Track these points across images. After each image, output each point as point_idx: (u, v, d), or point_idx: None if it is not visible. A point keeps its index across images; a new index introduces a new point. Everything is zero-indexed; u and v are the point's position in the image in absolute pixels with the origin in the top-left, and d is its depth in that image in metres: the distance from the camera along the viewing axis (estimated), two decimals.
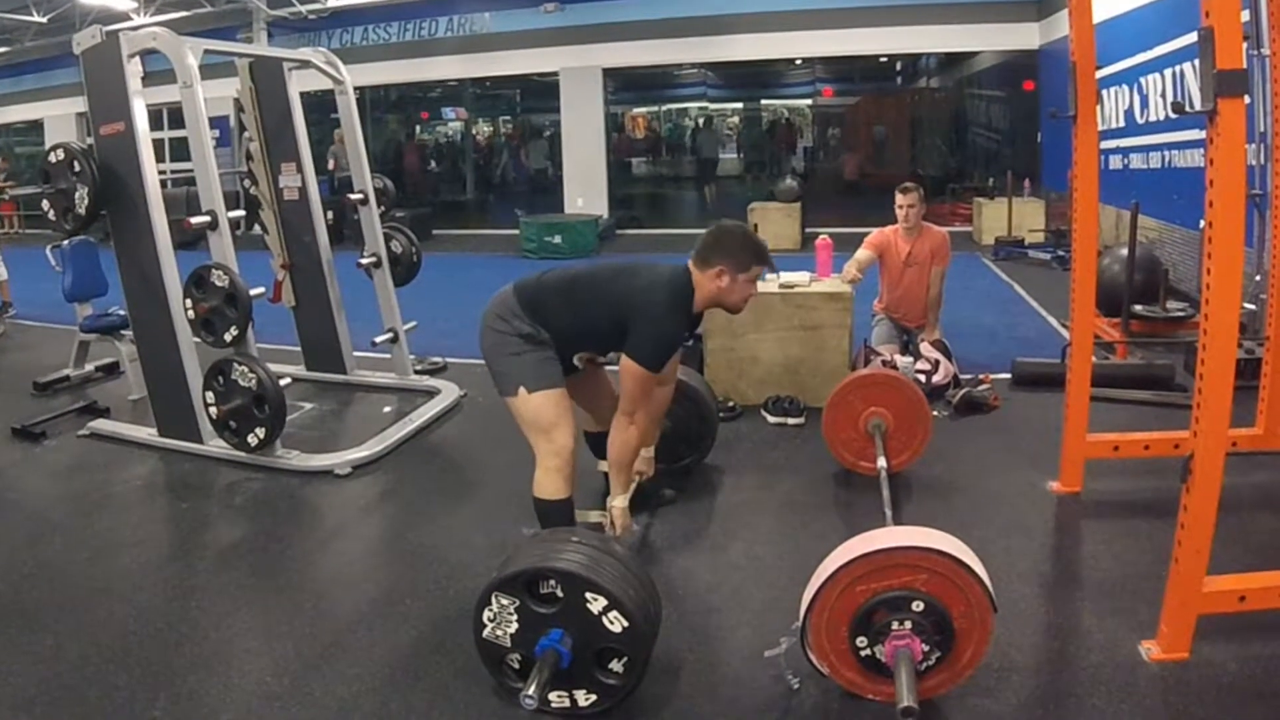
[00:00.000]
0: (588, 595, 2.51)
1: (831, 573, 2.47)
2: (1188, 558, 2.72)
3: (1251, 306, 5.64)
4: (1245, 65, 2.52)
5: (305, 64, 5.80)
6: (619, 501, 3.44)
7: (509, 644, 2.61)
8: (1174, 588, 2.78)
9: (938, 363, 5.53)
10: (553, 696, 2.59)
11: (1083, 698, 2.63)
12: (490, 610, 2.60)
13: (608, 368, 3.76)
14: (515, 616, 2.58)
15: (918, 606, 2.44)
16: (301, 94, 5.90)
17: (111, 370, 6.61)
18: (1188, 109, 2.85)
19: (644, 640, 2.57)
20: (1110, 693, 2.64)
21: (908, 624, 2.44)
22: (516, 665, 2.65)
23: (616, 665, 2.57)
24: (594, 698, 2.60)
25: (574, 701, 2.61)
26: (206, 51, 4.76)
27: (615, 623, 2.51)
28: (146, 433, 5.17)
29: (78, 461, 5.03)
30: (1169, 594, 2.80)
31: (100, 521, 4.24)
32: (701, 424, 4.39)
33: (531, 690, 2.42)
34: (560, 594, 2.55)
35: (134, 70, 4.66)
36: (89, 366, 6.58)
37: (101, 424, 5.41)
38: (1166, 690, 2.65)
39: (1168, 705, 2.60)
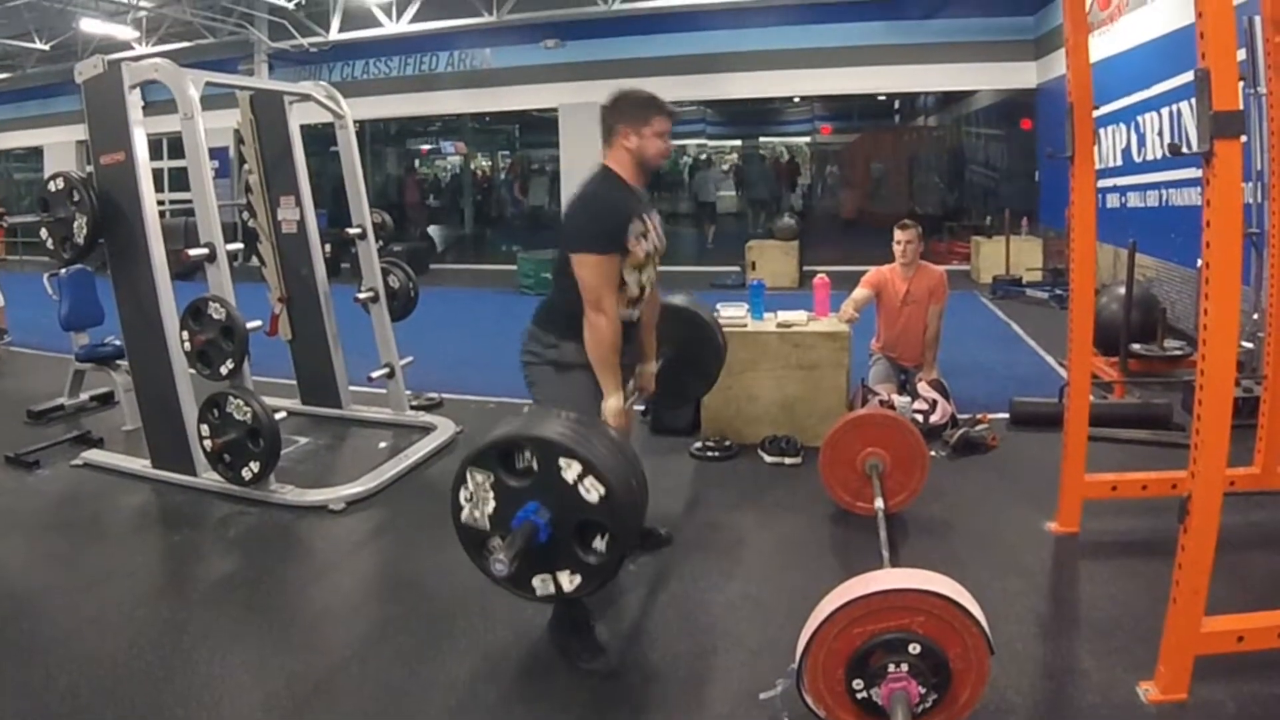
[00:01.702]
0: (561, 462, 2.45)
1: (828, 614, 2.45)
2: (1185, 598, 2.70)
3: (1249, 345, 5.64)
4: (1242, 105, 2.53)
5: (306, 97, 5.83)
6: (612, 402, 3.28)
7: (488, 526, 2.54)
8: (1172, 628, 2.76)
9: (935, 402, 5.52)
10: (536, 582, 2.54)
11: None
12: (466, 490, 2.54)
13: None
14: (492, 494, 2.52)
15: (914, 649, 2.41)
16: (301, 127, 5.92)
17: (106, 400, 6.58)
18: (1184, 150, 2.88)
19: (625, 512, 2.50)
20: None
21: (904, 666, 2.41)
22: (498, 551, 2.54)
23: (599, 543, 2.50)
24: (578, 579, 2.53)
25: (558, 585, 2.54)
26: (208, 83, 4.79)
27: (591, 490, 2.44)
28: (140, 464, 5.14)
29: (71, 491, 4.99)
30: (1167, 634, 2.78)
31: (92, 552, 4.21)
32: (703, 346, 4.30)
33: (502, 556, 2.36)
34: (535, 466, 2.49)
35: (135, 101, 4.70)
36: (84, 396, 6.56)
37: (95, 454, 5.38)
38: None
39: None
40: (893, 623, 2.43)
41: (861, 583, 2.50)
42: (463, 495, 2.55)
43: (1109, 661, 2.98)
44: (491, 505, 2.53)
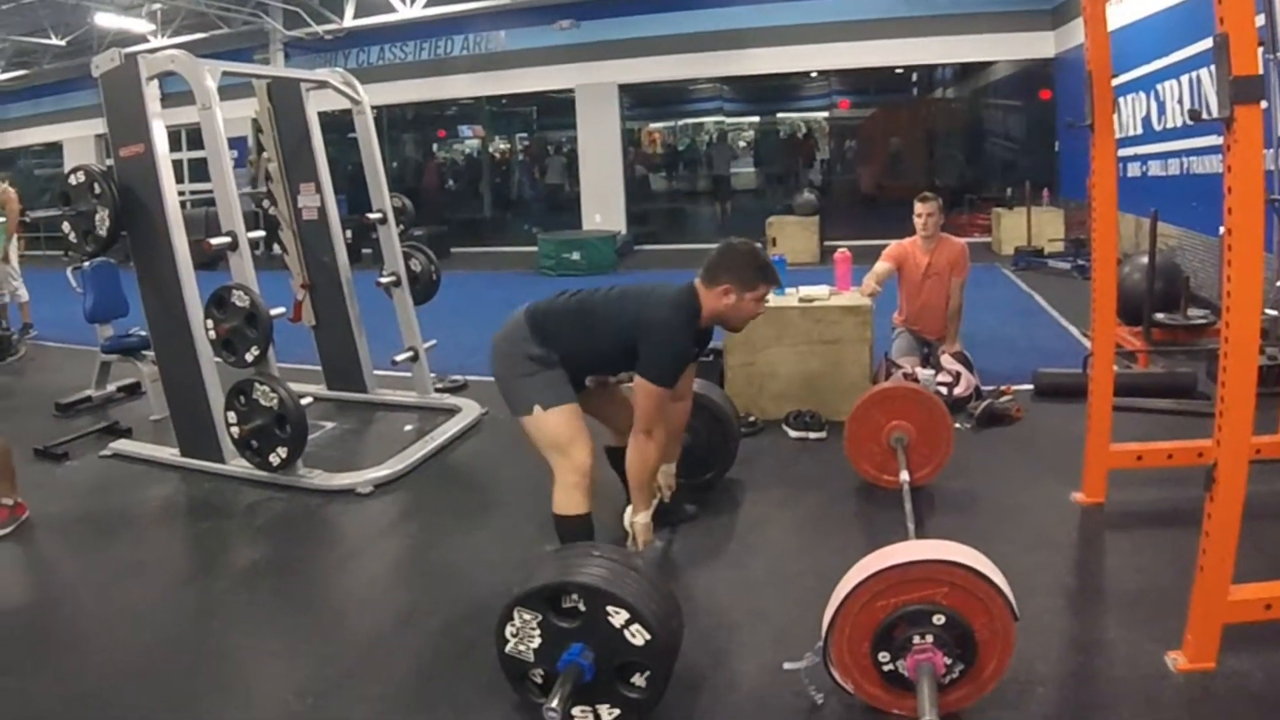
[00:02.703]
0: (609, 609, 2.51)
1: (852, 588, 2.47)
2: (1212, 566, 2.69)
3: (1273, 312, 5.59)
4: (1262, 70, 2.51)
5: (323, 84, 5.85)
6: (641, 518, 3.43)
7: (532, 659, 2.61)
8: (1199, 597, 2.75)
9: (959, 375, 5.51)
10: (576, 711, 2.59)
11: (1109, 710, 2.61)
12: (513, 625, 2.60)
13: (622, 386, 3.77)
14: (538, 631, 2.58)
15: (939, 620, 2.43)
16: (319, 114, 5.94)
17: (133, 391, 6.66)
18: (1204, 116, 2.85)
19: (666, 653, 2.57)
20: (1137, 704, 2.61)
21: (929, 637, 2.43)
22: (540, 680, 2.64)
23: (639, 679, 2.56)
24: (617, 712, 2.59)
25: (597, 716, 2.59)
26: (224, 73, 4.81)
27: (637, 636, 2.50)
28: (168, 453, 5.19)
29: (100, 482, 5.06)
30: (1194, 603, 2.77)
31: (122, 542, 4.28)
32: (722, 439, 4.38)
33: (555, 703, 2.42)
34: (582, 608, 2.54)
35: (153, 93, 4.72)
36: (110, 387, 6.63)
37: (123, 444, 5.45)
38: (1193, 701, 2.62)
39: (1194, 716, 2.57)
40: (916, 594, 2.45)
41: (884, 556, 2.51)
42: (508, 630, 2.62)
43: (1136, 632, 2.97)
44: (537, 642, 2.59)
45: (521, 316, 3.47)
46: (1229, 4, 2.43)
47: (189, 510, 4.72)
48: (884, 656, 2.48)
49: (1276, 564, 3.20)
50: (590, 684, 2.53)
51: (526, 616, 2.58)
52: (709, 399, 4.31)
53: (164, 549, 4.24)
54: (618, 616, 2.50)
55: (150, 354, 5.64)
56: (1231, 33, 2.43)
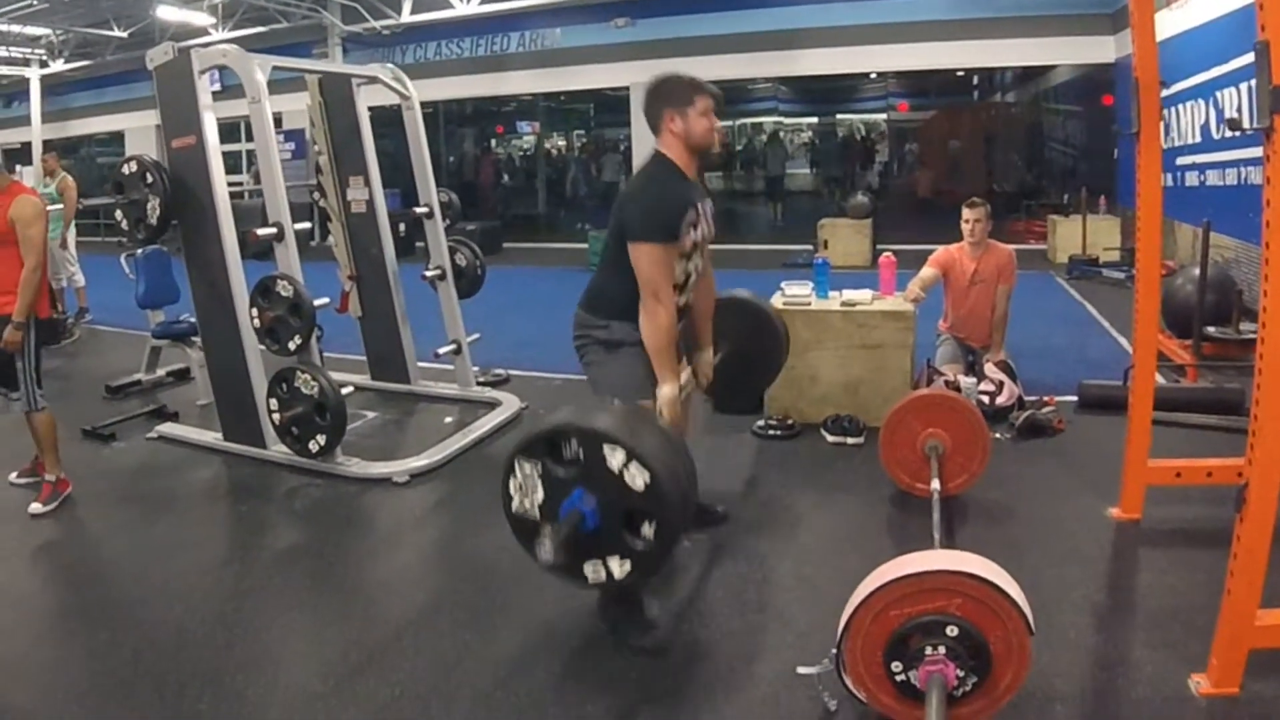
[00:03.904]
0: (605, 450, 2.48)
1: (866, 596, 2.45)
2: (1240, 589, 2.64)
3: None
4: None
5: (373, 80, 5.93)
6: (666, 390, 3.30)
7: (538, 515, 2.59)
8: (1225, 620, 2.70)
9: (1002, 384, 5.43)
10: (588, 569, 2.58)
11: None
12: (515, 479, 2.60)
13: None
14: (540, 483, 2.56)
15: (952, 631, 2.40)
16: (374, 109, 6.03)
17: (182, 376, 6.82)
18: (1245, 126, 2.79)
19: (671, 499, 2.51)
20: None
21: (942, 649, 2.40)
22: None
23: (647, 529, 2.52)
24: (628, 565, 2.56)
25: (609, 571, 2.57)
26: (279, 68, 4.90)
27: (638, 477, 2.46)
28: (212, 437, 5.32)
29: (144, 463, 5.20)
30: (1220, 627, 2.72)
31: (163, 522, 4.39)
32: (764, 340, 4.30)
33: (548, 544, 2.41)
34: (581, 454, 2.52)
35: (204, 86, 4.82)
36: (160, 372, 6.79)
37: (169, 427, 5.59)
38: None
39: None
40: (930, 605, 2.42)
41: (899, 565, 2.49)
42: (512, 485, 2.61)
43: (1163, 653, 2.92)
44: (541, 495, 2.58)
45: (578, 309, 3.51)
46: (1271, 10, 2.39)
47: (229, 493, 4.84)
48: (897, 666, 2.45)
49: None
50: (597, 535, 2.51)
51: (528, 468, 2.58)
52: (749, 301, 4.32)
53: (203, 530, 4.35)
54: (615, 457, 2.48)
55: (199, 340, 5.76)
56: (1273, 40, 2.38)
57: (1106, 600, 3.42)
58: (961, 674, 2.40)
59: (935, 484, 3.84)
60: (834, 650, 2.54)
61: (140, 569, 3.84)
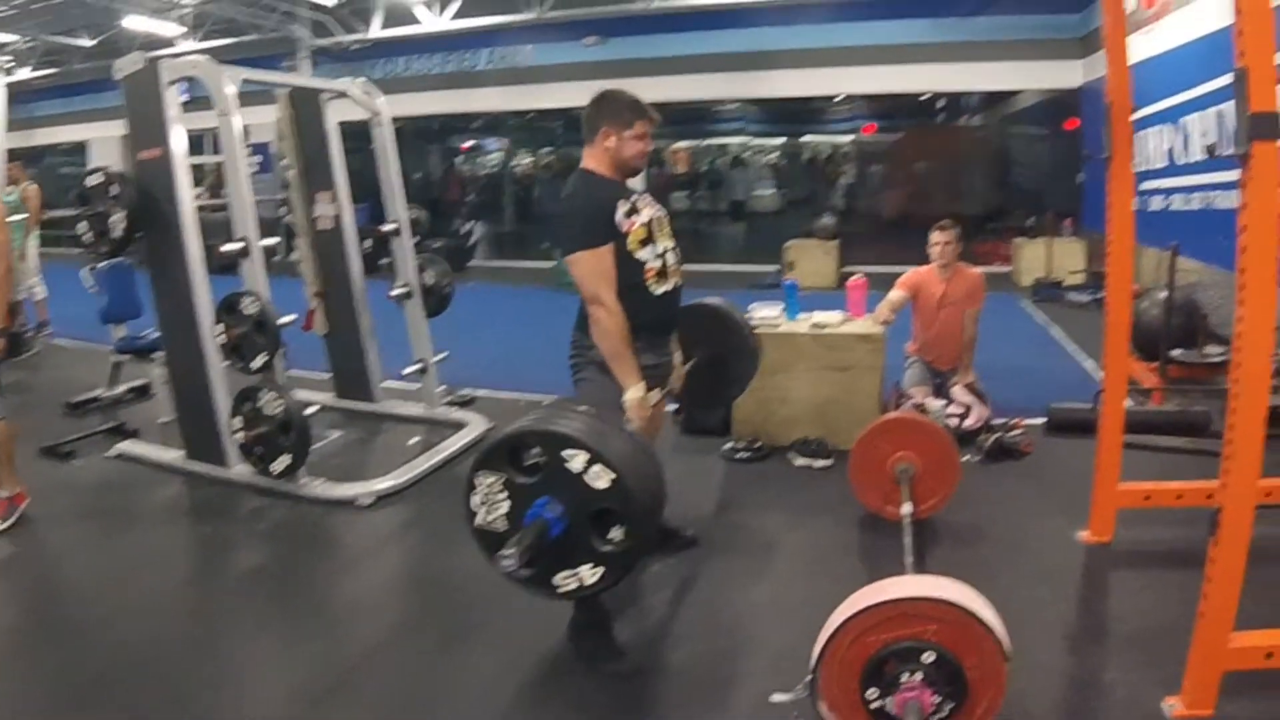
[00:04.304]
0: (566, 453, 2.43)
1: (840, 623, 2.43)
2: (1214, 612, 2.64)
3: None
4: None
5: (342, 94, 5.87)
6: (631, 393, 3.29)
7: (504, 527, 2.52)
8: (1199, 643, 2.70)
9: (970, 406, 5.45)
10: (559, 580, 2.52)
11: None
12: (477, 494, 2.53)
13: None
14: (504, 494, 2.50)
15: (928, 657, 2.38)
16: (345, 124, 5.96)
17: (144, 392, 6.65)
18: (1220, 152, 2.83)
19: (637, 496, 2.47)
20: None
21: (918, 675, 2.38)
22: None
23: (616, 532, 2.47)
24: (600, 570, 2.51)
25: (581, 580, 2.52)
26: (249, 80, 4.84)
27: (601, 477, 2.41)
28: (174, 455, 5.21)
29: (104, 482, 5.09)
30: (1194, 649, 2.72)
31: (124, 541, 4.31)
32: (735, 348, 4.26)
33: (509, 551, 2.34)
34: (542, 459, 2.47)
35: (172, 97, 4.75)
36: (121, 388, 6.65)
37: (130, 445, 5.47)
38: None
39: None
40: (905, 631, 2.41)
41: (874, 591, 2.47)
42: (474, 501, 2.54)
43: (1136, 675, 2.93)
44: (506, 506, 2.51)
45: (574, 331, 3.50)
46: (1249, 37, 2.40)
47: (191, 513, 4.76)
48: (873, 693, 2.43)
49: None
50: (565, 542, 2.45)
51: (490, 480, 2.51)
52: (720, 308, 4.28)
53: (166, 549, 4.26)
54: (576, 459, 2.42)
55: (161, 355, 5.66)
56: (1251, 67, 2.40)
57: (1078, 623, 3.42)
58: (938, 700, 2.38)
59: (906, 507, 3.83)
60: (809, 677, 2.51)
61: (102, 588, 3.77)
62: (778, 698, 2.64)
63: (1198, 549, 3.56)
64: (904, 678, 2.38)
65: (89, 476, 5.17)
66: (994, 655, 2.38)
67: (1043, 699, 2.81)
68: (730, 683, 3.01)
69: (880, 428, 4.22)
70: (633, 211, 3.34)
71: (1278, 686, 2.76)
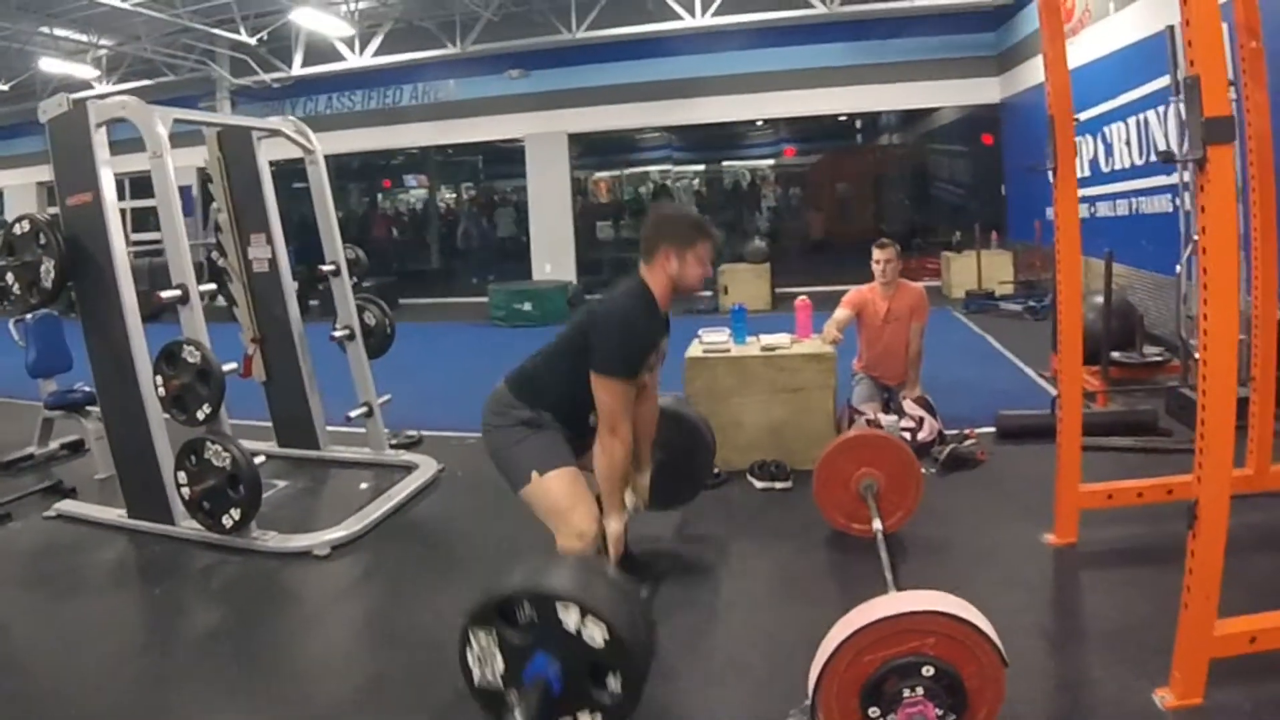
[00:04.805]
0: (558, 608, 2.38)
1: (837, 645, 2.41)
2: (1197, 603, 2.69)
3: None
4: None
5: (275, 133, 5.75)
6: (613, 525, 3.27)
7: (502, 684, 2.46)
8: (1185, 633, 2.74)
9: (922, 419, 5.49)
10: None
11: None
12: (472, 651, 2.47)
13: None
14: (499, 652, 2.45)
15: (928, 671, 2.37)
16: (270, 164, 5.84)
17: (77, 448, 6.42)
18: (1177, 156, 2.89)
19: (633, 649, 2.43)
20: None
21: (919, 689, 2.37)
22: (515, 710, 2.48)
23: (612, 681, 2.42)
24: (599, 715, 2.46)
25: None
26: (176, 120, 4.71)
27: (595, 634, 2.37)
28: (115, 514, 4.99)
29: (45, 544, 4.85)
30: (1180, 639, 2.76)
31: (72, 608, 4.09)
32: (693, 450, 4.22)
33: (518, 716, 2.30)
34: (534, 616, 2.41)
35: (101, 140, 4.60)
36: (54, 444, 6.39)
37: (69, 505, 5.23)
38: None
39: None
40: (903, 647, 2.40)
41: (867, 610, 2.46)
42: (470, 657, 2.49)
43: (1121, 671, 2.95)
44: (500, 663, 2.47)
45: (502, 386, 3.39)
46: (1199, 45, 2.46)
47: (140, 574, 4.54)
48: (874, 712, 2.41)
49: (1255, 596, 3.14)
50: (563, 695, 2.40)
51: (483, 637, 2.45)
52: (681, 412, 4.23)
53: (116, 614, 4.05)
54: (569, 615, 2.38)
55: (95, 410, 5.44)
56: (1203, 74, 2.46)
57: (1056, 625, 3.45)
58: (940, 713, 2.36)
59: (877, 523, 3.83)
60: (806, 702, 2.47)
61: (54, 658, 3.56)
62: None
63: (1160, 544, 3.68)
64: (905, 694, 2.36)
65: (28, 539, 4.93)
66: (992, 663, 2.39)
67: (1034, 701, 2.81)
68: (721, 708, 2.97)
69: (842, 446, 4.23)
70: (651, 367, 3.36)
71: (1263, 671, 2.80)
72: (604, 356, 3.16)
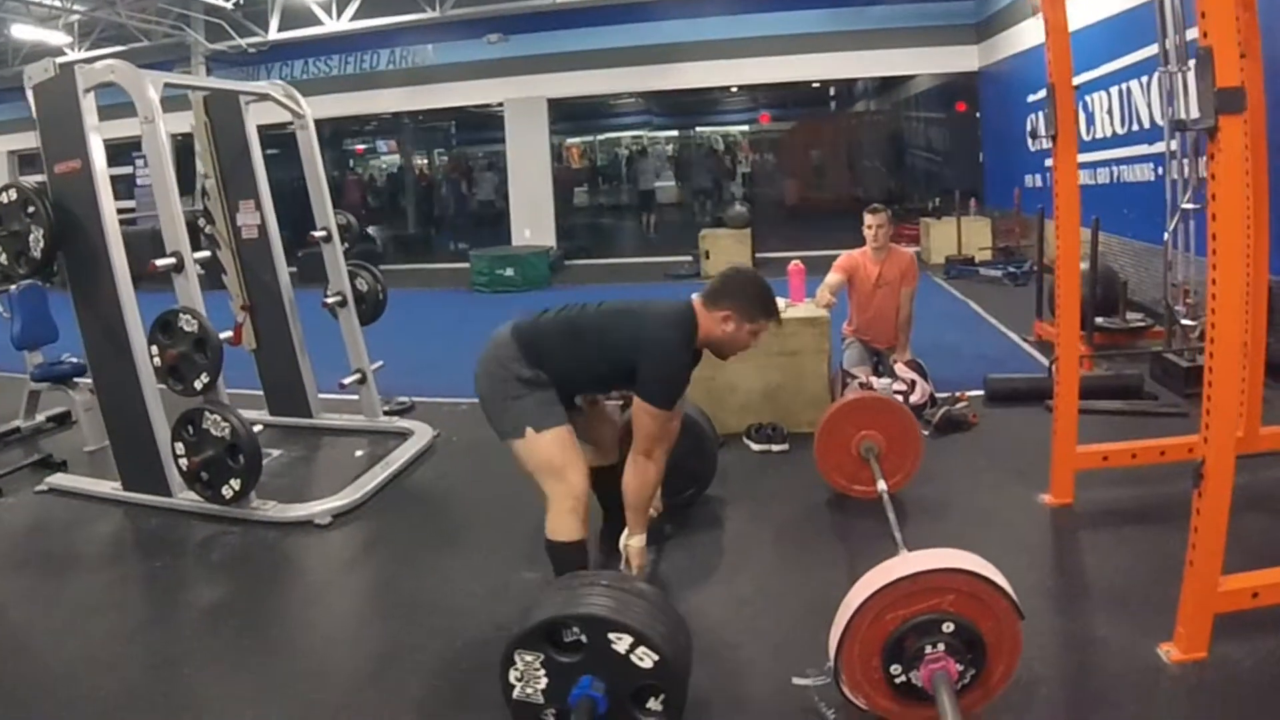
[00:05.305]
0: (611, 635, 2.43)
1: (859, 605, 2.45)
2: (1202, 560, 2.77)
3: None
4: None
5: (264, 97, 5.67)
6: (636, 541, 3.35)
7: (542, 700, 2.50)
8: (1190, 589, 2.82)
9: (914, 382, 5.55)
10: None
11: (1115, 705, 2.67)
12: (515, 670, 2.50)
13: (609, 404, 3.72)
14: (542, 671, 2.48)
15: (948, 628, 2.42)
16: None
17: (63, 420, 6.35)
18: (1189, 126, 2.93)
19: (678, 673, 2.49)
20: (1140, 697, 2.69)
21: (940, 646, 2.42)
22: None
23: (654, 703, 2.48)
24: None
25: None
26: (165, 85, 4.63)
27: (645, 659, 2.42)
28: (110, 486, 4.93)
29: (38, 520, 4.77)
30: (1185, 595, 2.84)
31: (72, 586, 4.01)
32: (701, 456, 4.30)
33: None
34: (584, 639, 2.46)
35: (90, 105, 4.52)
36: (40, 417, 6.31)
37: (60, 479, 5.15)
38: (1192, 690, 2.70)
39: (1195, 705, 2.66)
40: (924, 604, 2.44)
41: (885, 570, 2.50)
42: (512, 676, 2.51)
43: (1126, 627, 3.03)
44: (544, 682, 2.49)
45: (508, 335, 3.33)
46: (1212, 17, 2.49)
47: (139, 548, 4.47)
48: (896, 669, 2.46)
49: (1254, 554, 3.20)
50: (605, 715, 2.44)
51: (528, 658, 2.48)
52: (687, 415, 4.23)
53: (117, 591, 3.98)
54: (621, 642, 2.42)
55: (83, 382, 5.38)
56: (1215, 45, 2.49)
57: (1059, 584, 3.51)
58: (961, 667, 2.42)
59: (881, 484, 3.87)
60: (829, 664, 2.52)
61: (57, 640, 3.48)
62: (799, 680, 2.65)
63: (1155, 504, 3.78)
64: (927, 650, 2.41)
65: (21, 515, 4.84)
66: (1009, 617, 2.44)
67: (1044, 659, 2.87)
68: (741, 673, 2.99)
69: (843, 409, 4.28)
70: None
71: (1265, 626, 2.89)
72: (651, 389, 3.19)
